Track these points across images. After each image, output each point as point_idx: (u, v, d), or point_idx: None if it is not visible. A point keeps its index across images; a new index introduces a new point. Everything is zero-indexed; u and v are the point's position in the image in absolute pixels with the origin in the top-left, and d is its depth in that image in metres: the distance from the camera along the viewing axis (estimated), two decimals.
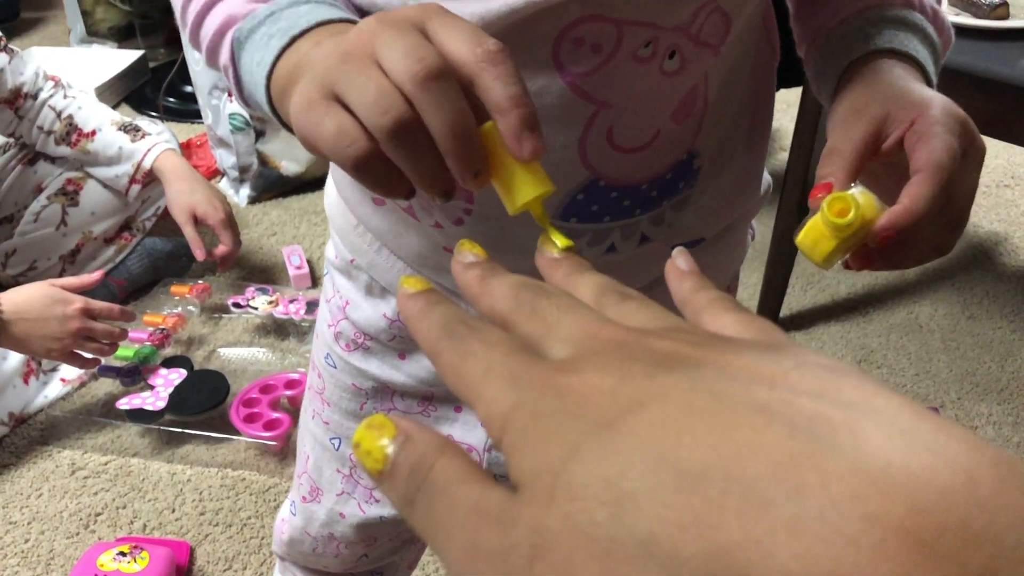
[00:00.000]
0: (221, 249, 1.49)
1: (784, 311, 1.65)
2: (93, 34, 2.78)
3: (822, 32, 0.55)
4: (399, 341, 0.64)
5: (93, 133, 1.54)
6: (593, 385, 0.17)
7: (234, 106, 1.88)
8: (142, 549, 1.10)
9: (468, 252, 0.25)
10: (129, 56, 2.52)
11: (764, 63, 0.57)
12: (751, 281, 1.71)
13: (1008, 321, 1.63)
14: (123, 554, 1.10)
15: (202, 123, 2.06)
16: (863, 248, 0.45)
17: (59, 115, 1.53)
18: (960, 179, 0.45)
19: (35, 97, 1.51)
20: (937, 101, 0.47)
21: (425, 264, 0.59)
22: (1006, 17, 1.26)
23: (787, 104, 1.57)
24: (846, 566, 0.13)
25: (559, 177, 0.49)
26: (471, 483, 0.18)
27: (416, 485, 0.18)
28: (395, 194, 0.35)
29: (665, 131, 0.51)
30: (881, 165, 0.48)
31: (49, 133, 1.53)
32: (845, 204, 0.43)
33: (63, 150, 1.54)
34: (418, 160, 0.33)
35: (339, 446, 0.72)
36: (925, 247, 0.47)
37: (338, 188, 0.64)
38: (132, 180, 1.55)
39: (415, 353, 0.65)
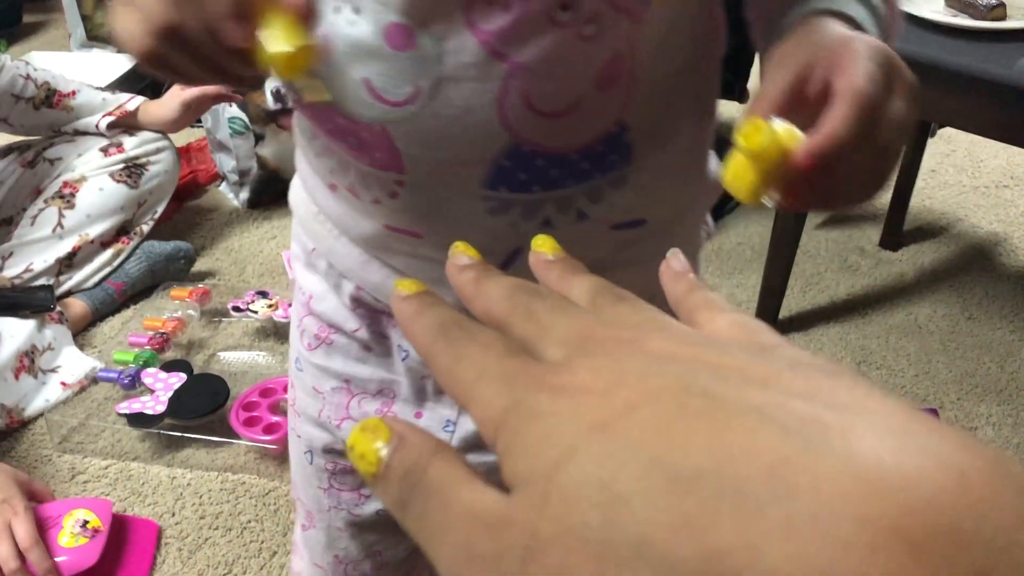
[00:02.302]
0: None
1: (783, 313, 1.65)
2: (93, 38, 2.78)
3: (764, 12, 0.55)
4: (364, 332, 0.64)
5: (73, 93, 1.58)
6: (587, 387, 0.17)
7: (234, 110, 1.88)
8: (87, 538, 1.11)
9: (462, 254, 0.25)
10: (129, 60, 2.51)
11: (703, 38, 0.56)
12: (750, 283, 1.71)
13: (1007, 322, 1.63)
14: (85, 526, 1.11)
15: (202, 127, 2.07)
16: (792, 184, 0.44)
17: (36, 83, 1.55)
18: (885, 106, 0.44)
19: None
20: (861, 37, 0.46)
21: (378, 247, 0.59)
22: (1003, 18, 1.26)
23: None
24: (838, 567, 0.13)
25: (480, 139, 0.51)
26: (465, 485, 0.18)
27: (410, 487, 0.18)
28: (195, 82, 0.46)
29: (588, 98, 0.50)
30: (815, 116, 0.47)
31: (28, 100, 1.55)
32: (757, 129, 0.42)
33: (45, 113, 1.56)
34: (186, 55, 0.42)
35: (312, 459, 0.71)
36: (855, 180, 0.46)
37: (301, 178, 0.65)
38: (107, 114, 1.58)
39: (380, 348, 0.65)
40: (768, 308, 1.61)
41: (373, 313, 0.64)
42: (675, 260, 0.28)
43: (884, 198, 1.66)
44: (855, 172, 0.45)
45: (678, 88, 0.55)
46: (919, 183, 1.88)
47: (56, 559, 1.07)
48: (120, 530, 1.18)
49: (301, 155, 0.64)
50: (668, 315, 0.22)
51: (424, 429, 0.19)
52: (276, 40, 0.40)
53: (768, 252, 1.57)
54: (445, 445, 0.19)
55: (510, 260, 0.55)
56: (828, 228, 1.91)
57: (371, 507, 0.72)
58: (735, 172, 0.44)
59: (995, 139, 1.43)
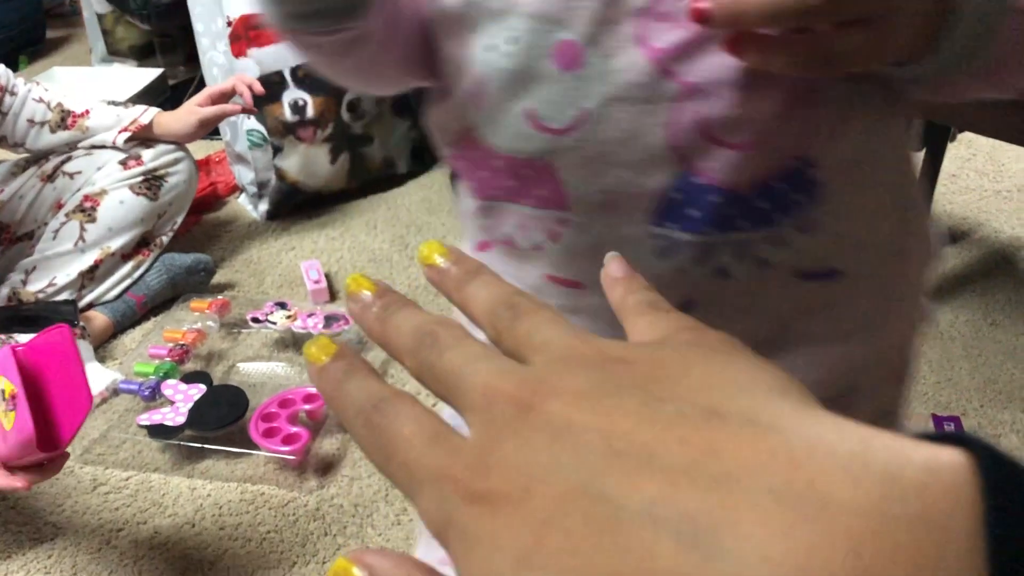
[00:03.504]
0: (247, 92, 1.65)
1: None
2: (114, 53, 2.81)
3: None
4: None
5: (87, 112, 1.59)
6: (503, 495, 0.19)
7: (252, 123, 1.89)
8: (13, 410, 0.93)
9: (364, 291, 0.25)
10: (149, 74, 2.55)
11: None
12: None
13: None
14: (3, 396, 0.94)
15: (220, 140, 2.08)
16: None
17: (49, 105, 1.56)
18: None
19: (13, 93, 1.54)
20: None
21: None
22: None
23: None
24: None
25: (649, 167, 0.47)
26: None
27: None
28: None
29: (768, 126, 0.46)
30: None
31: (43, 124, 1.57)
32: None
33: (61, 135, 1.58)
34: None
35: None
36: (809, 43, 0.39)
37: (467, 239, 0.62)
38: (123, 129, 1.59)
39: None
40: None
41: None
42: (613, 264, 0.29)
43: None
44: (813, 38, 0.39)
45: (874, 123, 0.49)
46: (940, 187, 1.87)
47: (7, 449, 0.92)
48: (36, 364, 0.98)
49: (461, 210, 0.61)
50: (566, 324, 0.23)
51: (391, 554, 0.21)
52: None
53: None
54: (418, 568, 0.20)
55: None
56: None
57: None
58: None
59: (1016, 143, 1.42)
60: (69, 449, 1.29)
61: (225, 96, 1.64)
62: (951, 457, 0.15)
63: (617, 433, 0.18)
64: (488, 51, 0.47)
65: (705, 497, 0.16)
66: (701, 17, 0.38)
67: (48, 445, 0.92)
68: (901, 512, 0.14)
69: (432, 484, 0.20)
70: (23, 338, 1.42)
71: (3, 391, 0.96)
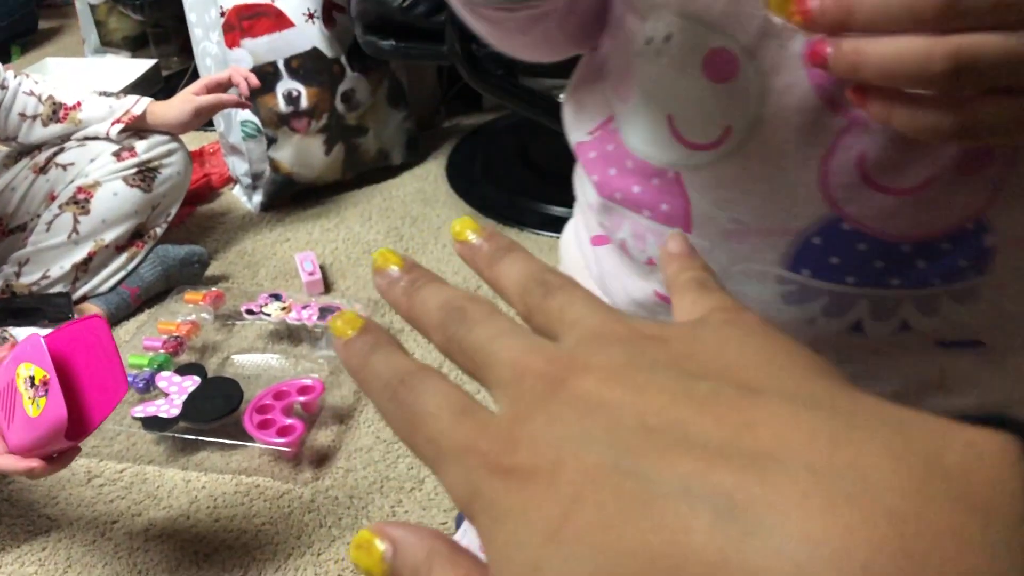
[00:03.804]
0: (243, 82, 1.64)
1: None
2: (107, 44, 2.80)
3: None
4: None
5: (79, 104, 1.58)
6: (532, 469, 0.18)
7: (246, 114, 1.88)
8: (44, 396, 0.93)
9: (392, 266, 0.25)
10: (142, 65, 2.54)
11: None
12: None
13: None
14: (33, 383, 0.94)
15: (214, 131, 2.08)
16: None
17: (40, 98, 1.56)
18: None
19: (4, 87, 1.53)
20: None
21: (637, 315, 0.52)
22: None
23: None
24: None
25: (791, 204, 0.42)
26: None
27: None
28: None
29: (942, 179, 0.40)
30: None
31: (35, 118, 1.56)
32: None
33: (54, 128, 1.57)
34: None
35: None
36: (928, 106, 0.32)
37: (575, 224, 0.59)
38: (116, 121, 1.58)
39: None
40: None
41: None
42: (673, 242, 0.28)
43: None
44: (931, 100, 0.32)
45: None
46: None
47: (32, 436, 0.92)
48: (69, 353, 0.98)
49: (578, 198, 0.58)
50: (598, 301, 0.23)
51: (415, 527, 0.20)
52: None
53: None
54: (440, 540, 0.20)
55: None
56: None
57: None
58: None
59: None
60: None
61: (222, 86, 1.64)
62: (993, 440, 0.15)
63: (650, 410, 0.18)
64: (646, 44, 0.44)
65: (742, 474, 0.16)
66: (818, 61, 0.33)
67: (73, 433, 0.92)
68: (943, 493, 0.14)
69: (459, 458, 0.20)
70: (22, 334, 1.42)
71: (32, 377, 0.96)
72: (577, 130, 0.53)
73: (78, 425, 0.93)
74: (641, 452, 0.17)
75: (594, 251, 0.54)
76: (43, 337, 0.94)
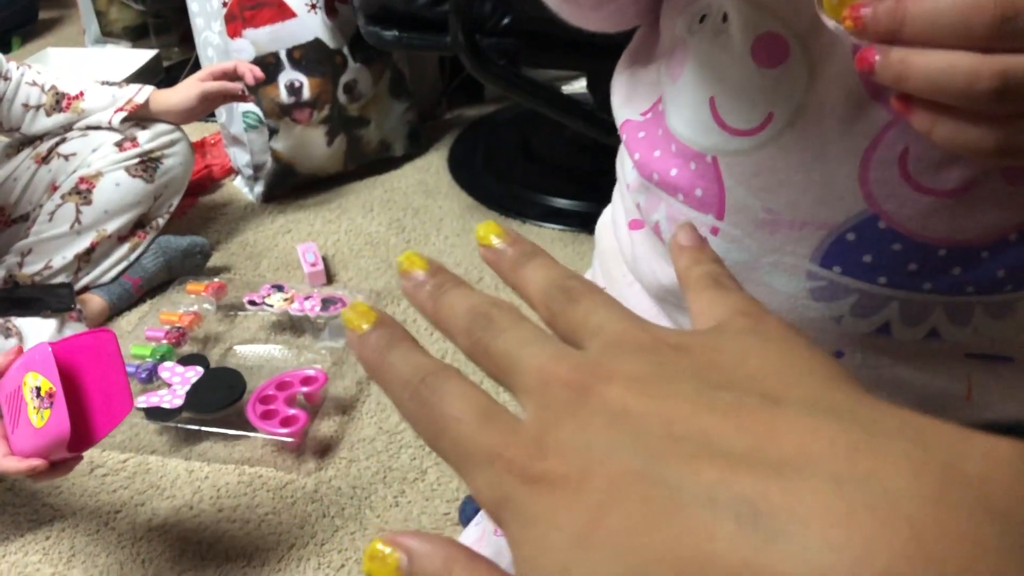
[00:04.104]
0: (249, 73, 1.63)
1: None
2: (107, 34, 2.79)
3: None
4: None
5: (81, 94, 1.58)
6: (560, 476, 0.18)
7: (248, 104, 1.88)
8: (49, 408, 0.92)
9: (418, 269, 0.25)
10: (143, 55, 2.53)
11: None
12: None
13: None
14: (39, 394, 0.93)
15: (216, 122, 2.07)
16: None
17: (42, 88, 1.56)
18: None
19: (7, 78, 1.53)
20: None
21: (674, 304, 0.52)
22: None
23: None
24: None
25: (828, 197, 0.41)
26: None
27: None
28: None
29: (987, 185, 0.39)
30: None
31: (38, 108, 1.56)
32: None
33: (57, 118, 1.57)
34: None
35: None
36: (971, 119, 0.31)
37: (613, 208, 0.58)
38: (118, 109, 1.58)
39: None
40: None
41: None
42: (682, 233, 0.28)
43: None
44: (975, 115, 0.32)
45: None
46: None
47: (35, 445, 0.92)
48: (77, 365, 0.97)
49: (618, 180, 0.57)
50: (621, 307, 0.23)
51: (430, 536, 0.20)
52: None
53: None
54: (456, 549, 0.20)
55: None
56: None
57: None
58: None
59: None
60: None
61: (227, 75, 1.63)
62: (1011, 448, 0.16)
63: (675, 419, 0.18)
64: (700, 21, 0.43)
65: (765, 482, 0.16)
66: (865, 68, 0.33)
67: (76, 445, 0.93)
68: (961, 501, 0.14)
69: (487, 464, 0.20)
70: (25, 324, 1.42)
71: (39, 388, 0.96)
72: (628, 107, 0.52)
73: (81, 437, 0.93)
74: (666, 460, 0.17)
75: (630, 235, 0.54)
76: (52, 346, 0.94)
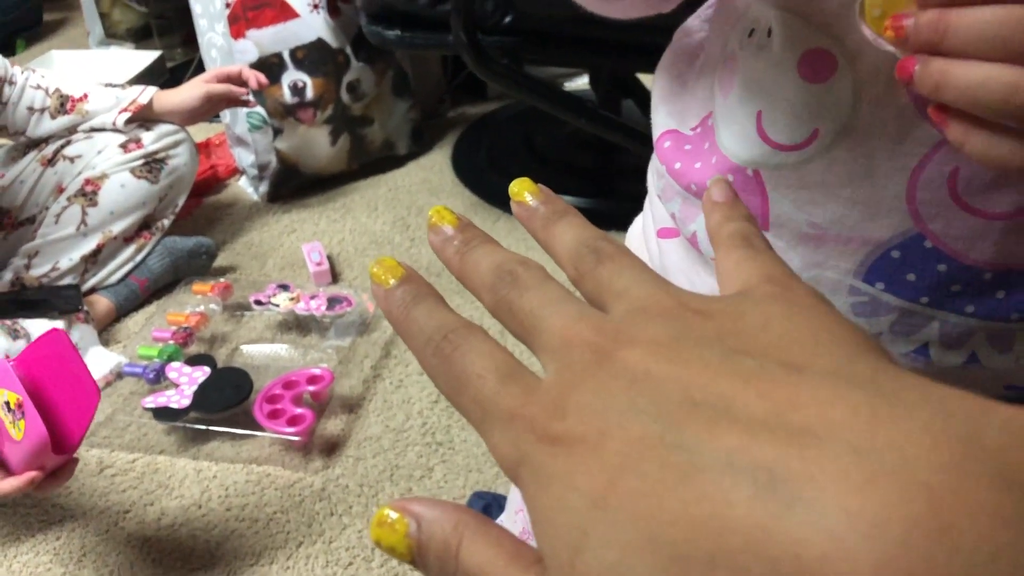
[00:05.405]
0: (253, 79, 1.63)
1: None
2: (111, 36, 2.80)
3: None
4: None
5: (85, 96, 1.59)
6: (578, 437, 0.18)
7: None
8: (22, 418, 0.93)
9: (446, 224, 0.25)
10: (147, 57, 2.54)
11: None
12: None
13: None
14: (8, 407, 0.94)
15: (220, 122, 2.08)
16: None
17: (47, 91, 1.56)
18: None
19: (12, 82, 1.53)
20: None
21: None
22: None
23: None
24: None
25: (874, 214, 0.40)
26: (498, 569, 0.19)
27: (451, 573, 0.20)
28: None
29: None
30: None
31: (43, 111, 1.56)
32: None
33: (62, 120, 1.58)
34: None
35: None
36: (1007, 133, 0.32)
37: (643, 217, 0.57)
38: (123, 110, 1.59)
39: None
40: None
41: None
42: (716, 189, 0.28)
43: None
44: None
45: None
46: None
47: (22, 457, 0.92)
48: (35, 372, 0.97)
49: (650, 189, 0.56)
50: (648, 271, 0.23)
51: (439, 502, 0.20)
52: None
53: None
54: (466, 514, 0.20)
55: None
56: None
57: None
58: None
59: None
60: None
61: (232, 79, 1.64)
62: None
63: (695, 384, 0.18)
64: (748, 36, 0.43)
65: (784, 449, 0.16)
66: (905, 76, 0.33)
67: (61, 447, 0.93)
68: (980, 471, 0.14)
69: (506, 422, 0.20)
70: (33, 325, 1.42)
71: (7, 402, 0.96)
72: (675, 119, 0.51)
73: (64, 438, 0.94)
74: (685, 425, 0.17)
75: (659, 244, 0.53)
76: (11, 360, 0.95)
